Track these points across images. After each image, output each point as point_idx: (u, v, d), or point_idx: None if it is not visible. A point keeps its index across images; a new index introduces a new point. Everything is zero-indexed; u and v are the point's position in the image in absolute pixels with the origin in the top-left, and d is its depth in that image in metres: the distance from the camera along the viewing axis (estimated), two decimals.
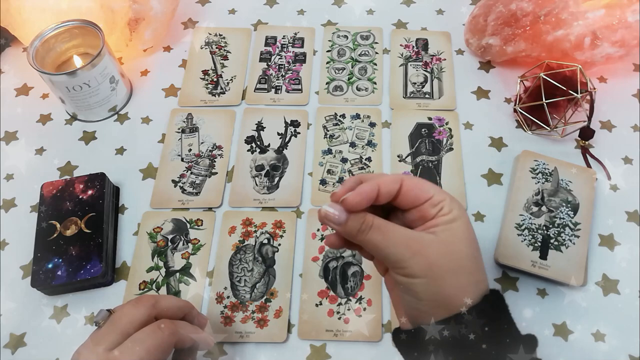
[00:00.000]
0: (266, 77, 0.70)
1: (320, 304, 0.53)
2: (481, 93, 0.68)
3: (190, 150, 0.64)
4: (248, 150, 0.64)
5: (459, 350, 0.35)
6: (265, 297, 0.54)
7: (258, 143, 0.64)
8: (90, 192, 0.57)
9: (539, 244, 0.54)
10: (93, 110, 0.65)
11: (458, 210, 0.38)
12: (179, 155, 0.63)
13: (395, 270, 0.38)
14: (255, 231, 0.58)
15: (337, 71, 0.70)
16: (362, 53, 0.72)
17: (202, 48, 0.73)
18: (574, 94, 0.58)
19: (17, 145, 0.65)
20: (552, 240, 0.54)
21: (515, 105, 0.63)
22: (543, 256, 0.53)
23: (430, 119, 0.65)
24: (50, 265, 0.52)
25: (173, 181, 0.61)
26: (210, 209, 0.60)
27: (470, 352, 0.35)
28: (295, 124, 0.66)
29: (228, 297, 0.54)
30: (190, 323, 0.43)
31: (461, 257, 0.37)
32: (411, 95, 0.68)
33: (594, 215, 0.57)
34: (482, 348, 0.35)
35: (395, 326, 0.51)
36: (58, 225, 0.55)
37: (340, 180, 0.61)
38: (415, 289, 0.37)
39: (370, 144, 0.64)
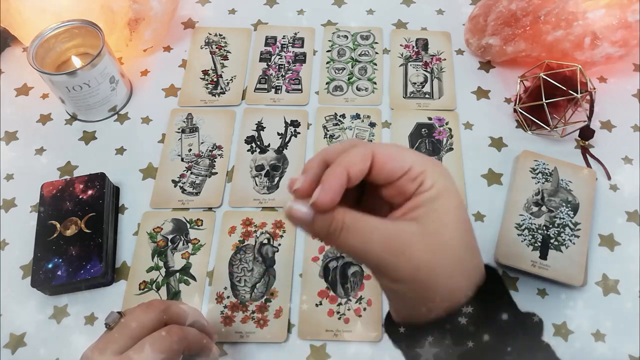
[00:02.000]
0: (266, 77, 0.70)
1: (320, 304, 0.53)
2: (481, 93, 0.68)
3: (190, 150, 0.64)
4: (248, 150, 0.63)
5: (456, 339, 0.32)
6: (265, 297, 0.53)
7: (258, 143, 0.64)
8: (90, 192, 0.57)
9: (539, 244, 0.54)
10: (93, 110, 0.65)
11: (443, 182, 0.32)
12: (179, 155, 0.63)
13: (376, 275, 0.33)
14: (255, 231, 0.58)
15: (337, 71, 0.70)
16: (362, 53, 0.72)
17: (202, 48, 0.73)
18: (574, 94, 0.58)
19: (17, 145, 0.65)
20: (552, 240, 0.54)
21: (515, 105, 0.63)
22: (543, 256, 0.53)
23: (430, 119, 0.65)
24: (50, 265, 0.52)
25: (173, 181, 0.61)
26: (210, 209, 0.60)
27: (468, 339, 0.31)
28: (295, 124, 0.66)
29: (228, 297, 0.54)
30: (199, 331, 0.43)
31: (452, 250, 0.31)
32: (411, 95, 0.68)
33: (594, 215, 0.57)
34: (482, 336, 0.31)
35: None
36: (58, 225, 0.55)
37: None
38: (402, 293, 0.32)
39: None
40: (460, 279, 0.32)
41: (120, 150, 0.64)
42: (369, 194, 0.35)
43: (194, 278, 0.55)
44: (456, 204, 0.32)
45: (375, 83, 0.69)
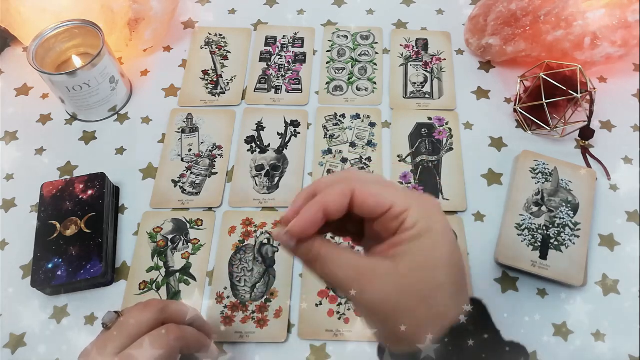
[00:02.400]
0: (266, 77, 0.70)
1: (320, 304, 0.53)
2: (481, 93, 0.68)
3: (190, 150, 0.64)
4: (248, 150, 0.64)
5: None
6: (265, 297, 0.53)
7: (258, 143, 0.64)
8: (90, 192, 0.57)
9: (539, 244, 0.54)
10: (93, 110, 0.65)
11: (426, 221, 0.32)
12: (179, 155, 0.63)
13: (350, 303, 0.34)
14: (255, 231, 0.58)
15: (337, 71, 0.70)
16: (362, 53, 0.72)
17: (202, 48, 0.73)
18: (574, 94, 0.58)
19: (17, 145, 0.65)
20: (552, 240, 0.54)
21: (515, 105, 0.63)
22: (543, 256, 0.53)
23: (430, 119, 0.65)
24: (50, 265, 0.52)
25: (173, 181, 0.61)
26: (210, 209, 0.60)
27: None
28: (295, 124, 0.66)
29: (228, 297, 0.54)
30: (198, 330, 0.43)
31: (420, 289, 0.31)
32: (411, 95, 0.68)
33: (594, 215, 0.57)
34: None
35: None
36: (58, 225, 0.55)
37: None
38: (369, 324, 0.34)
39: (370, 144, 0.64)
40: (424, 318, 0.31)
41: (120, 150, 0.64)
42: (369, 224, 0.35)
43: (194, 278, 0.55)
44: (436, 244, 0.32)
45: (375, 83, 0.69)
